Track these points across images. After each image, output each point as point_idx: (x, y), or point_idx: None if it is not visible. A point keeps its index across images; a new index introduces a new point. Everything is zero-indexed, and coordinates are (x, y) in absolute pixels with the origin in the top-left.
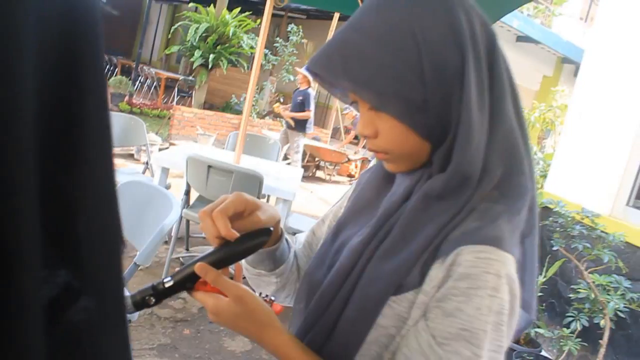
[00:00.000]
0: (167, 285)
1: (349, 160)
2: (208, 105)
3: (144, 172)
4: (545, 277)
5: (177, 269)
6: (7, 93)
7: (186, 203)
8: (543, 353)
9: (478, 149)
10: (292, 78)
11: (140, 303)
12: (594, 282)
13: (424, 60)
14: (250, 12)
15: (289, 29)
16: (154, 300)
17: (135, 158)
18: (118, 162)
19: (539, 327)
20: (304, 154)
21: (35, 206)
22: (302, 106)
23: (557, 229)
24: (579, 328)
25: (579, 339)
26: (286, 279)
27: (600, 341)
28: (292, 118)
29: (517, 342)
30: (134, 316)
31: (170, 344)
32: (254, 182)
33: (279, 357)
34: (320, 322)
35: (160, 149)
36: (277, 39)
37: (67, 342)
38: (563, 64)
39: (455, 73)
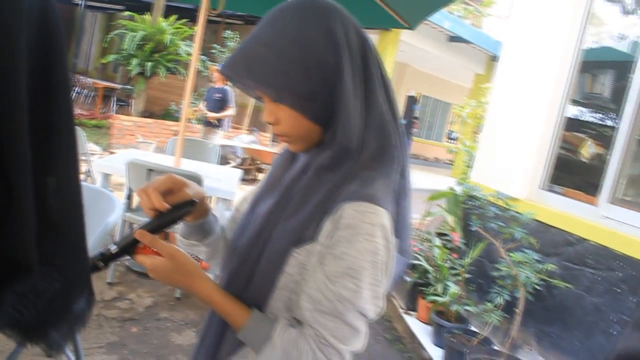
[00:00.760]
0: (112, 251)
1: None
2: (147, 114)
3: (84, 181)
4: (470, 258)
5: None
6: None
7: (128, 207)
8: (471, 328)
9: (356, 128)
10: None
11: (92, 267)
12: (512, 259)
13: (307, 61)
14: (188, 20)
15: (225, 35)
16: (102, 264)
17: None
18: None
19: (468, 305)
20: (245, 157)
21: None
22: (221, 103)
23: (475, 211)
24: (502, 302)
25: (502, 312)
26: (215, 248)
27: (515, 309)
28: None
29: (447, 319)
30: None
31: (119, 342)
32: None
33: (207, 302)
34: (240, 275)
35: (100, 159)
36: (214, 45)
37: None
38: (494, 62)
39: (334, 70)
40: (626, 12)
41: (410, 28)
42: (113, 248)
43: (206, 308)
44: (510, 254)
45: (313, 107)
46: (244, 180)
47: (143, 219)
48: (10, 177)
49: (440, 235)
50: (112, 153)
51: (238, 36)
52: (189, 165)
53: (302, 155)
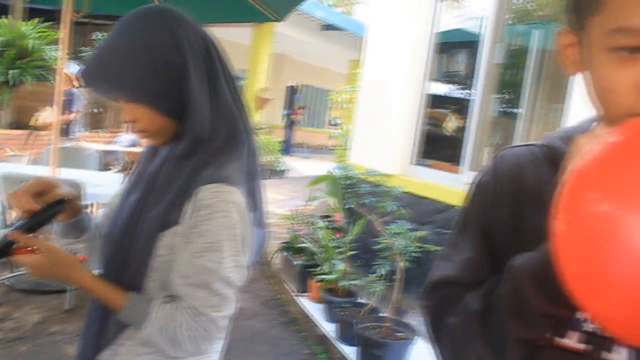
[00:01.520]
0: None
1: None
2: (16, 125)
3: None
4: (353, 235)
5: None
6: None
7: (3, 223)
8: (360, 300)
9: (205, 119)
10: None
11: None
12: (389, 231)
13: (156, 62)
14: (52, 22)
15: (93, 37)
16: None
17: None
18: None
19: (355, 279)
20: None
21: None
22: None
23: (351, 190)
24: (385, 272)
25: (385, 282)
26: (92, 243)
27: (395, 277)
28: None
29: (337, 295)
30: None
31: None
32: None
33: (87, 291)
34: (115, 262)
35: None
36: (83, 48)
37: None
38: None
39: (180, 69)
40: None
41: (279, 20)
42: None
43: None
44: (388, 227)
45: (165, 103)
46: None
47: None
48: None
49: (324, 217)
50: None
51: None
52: (68, 174)
53: (163, 148)
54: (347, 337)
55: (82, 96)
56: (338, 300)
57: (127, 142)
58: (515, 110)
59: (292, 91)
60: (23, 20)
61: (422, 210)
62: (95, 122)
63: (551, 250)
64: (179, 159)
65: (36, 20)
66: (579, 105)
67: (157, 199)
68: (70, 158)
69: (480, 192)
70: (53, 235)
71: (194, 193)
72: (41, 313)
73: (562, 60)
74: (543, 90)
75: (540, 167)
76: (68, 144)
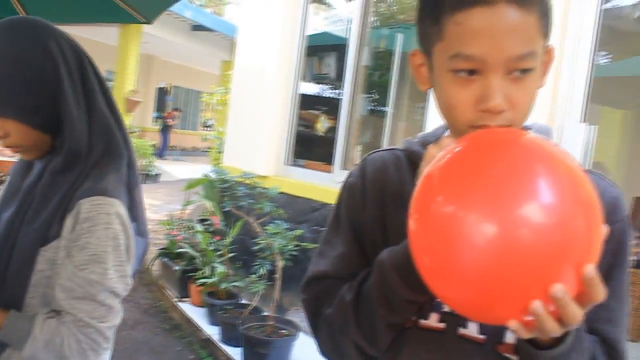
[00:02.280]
0: None
1: None
2: None
3: None
4: (231, 238)
5: None
6: None
7: None
8: (242, 301)
9: (81, 133)
10: None
11: None
12: (267, 231)
13: (27, 76)
14: None
15: None
16: None
17: None
18: None
19: (235, 281)
20: None
21: None
22: None
23: (227, 193)
24: (265, 272)
25: (266, 281)
26: None
27: (275, 276)
28: None
29: (218, 298)
30: None
31: None
32: None
33: None
34: None
35: None
36: None
37: None
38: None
39: (54, 83)
40: None
41: (148, 22)
42: None
43: None
44: (266, 228)
45: (38, 118)
46: None
47: None
48: None
49: (202, 221)
50: None
51: None
52: None
53: (38, 162)
54: (231, 338)
55: None
56: (220, 303)
57: None
58: (382, 109)
59: (162, 93)
60: None
61: (297, 209)
62: None
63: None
64: (56, 173)
65: None
66: None
67: (35, 214)
68: None
69: (350, 193)
70: None
71: (74, 207)
72: None
73: (416, 78)
74: (407, 90)
75: (402, 170)
76: None
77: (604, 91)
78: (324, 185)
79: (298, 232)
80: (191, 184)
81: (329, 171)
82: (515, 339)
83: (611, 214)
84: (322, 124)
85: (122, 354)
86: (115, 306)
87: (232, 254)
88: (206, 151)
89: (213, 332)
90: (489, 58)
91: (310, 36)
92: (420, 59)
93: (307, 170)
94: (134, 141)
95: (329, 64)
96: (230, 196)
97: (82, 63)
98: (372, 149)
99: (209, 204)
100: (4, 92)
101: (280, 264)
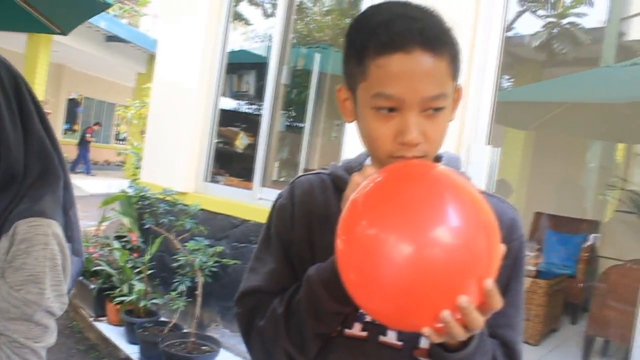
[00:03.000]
0: None
1: None
2: None
3: None
4: (150, 254)
5: None
6: None
7: None
8: (162, 319)
9: (17, 156)
10: None
11: None
12: (187, 248)
13: None
14: None
15: None
16: None
17: None
18: None
19: (155, 298)
20: None
21: None
22: None
23: (147, 210)
24: (184, 289)
25: (186, 298)
26: None
27: (195, 292)
28: None
29: (137, 316)
30: None
31: None
32: None
33: None
34: None
35: None
36: None
37: None
38: (154, 61)
39: None
40: (266, 15)
41: (63, 34)
42: None
43: None
44: (185, 244)
45: None
46: None
47: None
48: None
49: (119, 238)
50: None
51: None
52: None
53: None
54: (150, 357)
55: None
56: (139, 321)
57: None
58: (300, 126)
59: (72, 104)
60: None
61: (218, 226)
62: None
63: (336, 262)
64: None
65: None
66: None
67: None
68: None
69: (279, 214)
70: None
71: (9, 228)
72: None
73: (341, 111)
74: (324, 108)
75: (328, 192)
76: None
77: (508, 114)
78: (244, 202)
79: (218, 248)
80: (108, 200)
81: (248, 188)
82: (429, 344)
83: (509, 233)
84: (241, 141)
85: None
86: (51, 326)
87: (151, 271)
88: (120, 165)
89: (132, 351)
90: (406, 98)
91: (231, 53)
92: (345, 94)
93: (227, 187)
94: None
95: (248, 82)
96: (150, 213)
97: (18, 86)
98: (291, 165)
99: (126, 220)
100: None
101: (200, 280)
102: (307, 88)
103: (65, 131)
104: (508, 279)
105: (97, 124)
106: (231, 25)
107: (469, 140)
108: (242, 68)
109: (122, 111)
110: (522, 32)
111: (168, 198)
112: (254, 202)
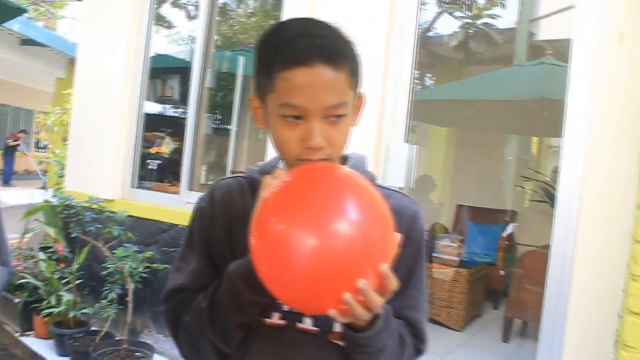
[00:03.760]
0: None
1: None
2: None
3: None
4: (78, 264)
5: None
6: None
7: None
8: (93, 328)
9: None
10: None
11: None
12: (116, 256)
13: None
14: None
15: None
16: None
17: None
18: None
19: (85, 308)
20: None
21: None
22: None
23: (74, 219)
24: (115, 297)
25: (117, 306)
26: None
27: (126, 299)
28: None
29: (68, 327)
30: None
31: None
32: None
33: None
34: None
35: None
36: None
37: None
38: (75, 66)
39: None
40: (190, 18)
41: None
42: None
43: None
44: (114, 252)
45: None
46: None
47: None
48: None
49: (44, 249)
50: None
51: None
52: None
53: None
54: None
55: None
56: (69, 332)
57: None
58: (227, 129)
59: None
60: None
61: (147, 231)
62: None
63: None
64: None
65: None
66: None
67: None
68: None
69: (201, 216)
70: None
71: None
72: None
73: (255, 118)
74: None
75: (245, 194)
76: None
77: (430, 112)
78: (172, 206)
79: (148, 254)
80: (31, 211)
81: (176, 193)
82: (341, 327)
83: (411, 224)
84: (167, 146)
85: None
86: None
87: (80, 281)
88: (42, 174)
89: None
90: (310, 107)
91: (154, 58)
92: (257, 104)
93: (154, 192)
94: None
95: (173, 87)
96: (77, 222)
97: None
98: (218, 168)
99: (51, 231)
100: None
101: (131, 287)
102: (233, 91)
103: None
104: (412, 265)
105: (22, 131)
106: (154, 29)
107: (388, 140)
108: (167, 72)
109: (42, 119)
110: (442, 33)
111: (95, 206)
112: (182, 207)
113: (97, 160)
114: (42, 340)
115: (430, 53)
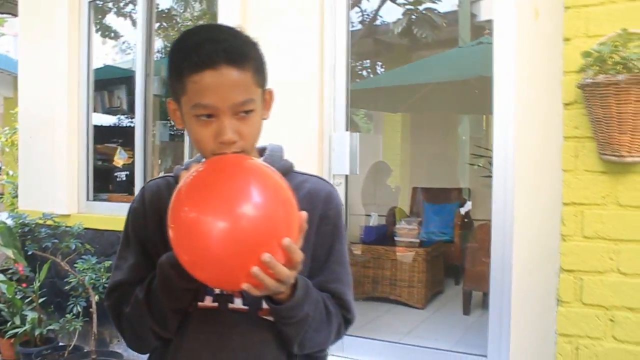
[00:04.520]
0: None
1: None
2: None
3: None
4: (39, 282)
5: None
6: None
7: None
8: (60, 343)
9: None
10: None
11: None
12: (77, 269)
13: None
14: None
15: None
16: None
17: None
18: None
19: (50, 324)
20: None
21: None
22: None
23: (28, 236)
24: (80, 310)
25: (82, 318)
26: None
27: (90, 310)
28: None
29: (35, 345)
30: None
31: None
32: None
33: None
34: None
35: None
36: None
37: None
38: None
39: None
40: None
41: None
42: None
43: None
44: (75, 265)
45: None
46: None
47: None
48: None
49: (4, 271)
50: None
51: None
52: None
53: None
54: None
55: None
56: (36, 350)
57: None
58: (182, 133)
59: None
60: None
61: (106, 242)
62: None
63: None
64: None
65: None
66: None
67: None
68: None
69: (134, 216)
70: None
71: None
72: None
73: (173, 120)
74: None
75: (172, 191)
76: None
77: (379, 99)
78: None
79: (107, 263)
80: None
81: (128, 202)
82: (267, 303)
83: (327, 203)
84: (119, 156)
85: None
86: None
87: (43, 299)
88: None
89: None
90: (219, 106)
91: (100, 69)
92: (173, 106)
93: (110, 203)
94: None
95: (120, 97)
96: (32, 239)
97: None
98: None
99: (9, 252)
100: None
101: (94, 298)
102: None
103: None
104: (331, 242)
105: None
106: (100, 40)
107: (330, 129)
108: (113, 83)
109: None
110: (388, 20)
111: (49, 222)
112: None
113: (49, 177)
114: None
115: (377, 41)
